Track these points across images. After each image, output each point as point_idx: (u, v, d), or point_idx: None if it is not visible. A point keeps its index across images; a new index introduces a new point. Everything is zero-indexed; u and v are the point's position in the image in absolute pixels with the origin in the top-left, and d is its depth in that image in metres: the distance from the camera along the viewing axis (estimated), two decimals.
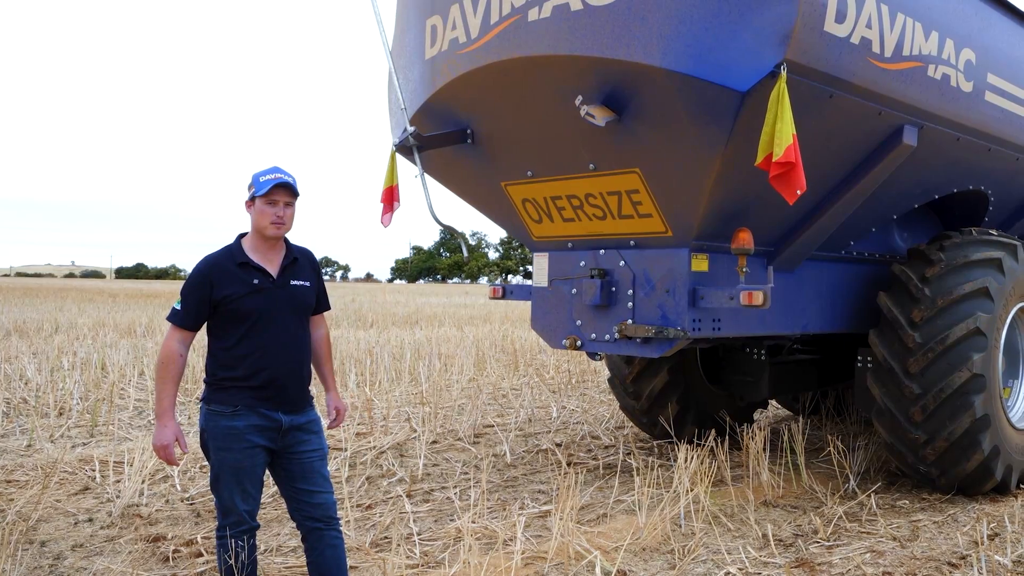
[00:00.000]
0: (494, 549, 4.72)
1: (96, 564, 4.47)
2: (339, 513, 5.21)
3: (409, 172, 6.17)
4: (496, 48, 5.22)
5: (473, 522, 5.11)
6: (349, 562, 4.34)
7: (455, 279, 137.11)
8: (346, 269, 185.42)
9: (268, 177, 3.44)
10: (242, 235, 3.60)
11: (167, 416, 3.35)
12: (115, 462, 6.52)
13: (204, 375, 3.49)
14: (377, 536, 4.81)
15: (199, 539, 4.84)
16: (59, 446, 7.20)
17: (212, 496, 3.59)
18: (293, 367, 3.52)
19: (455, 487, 6.14)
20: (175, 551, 4.65)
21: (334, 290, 67.55)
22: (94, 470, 6.34)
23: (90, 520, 5.22)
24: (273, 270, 3.51)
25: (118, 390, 10.05)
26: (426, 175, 6.12)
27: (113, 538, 4.89)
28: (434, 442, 7.70)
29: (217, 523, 3.51)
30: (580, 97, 4.90)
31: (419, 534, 5.04)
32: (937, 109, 5.54)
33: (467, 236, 6.04)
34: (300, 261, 3.63)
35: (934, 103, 5.50)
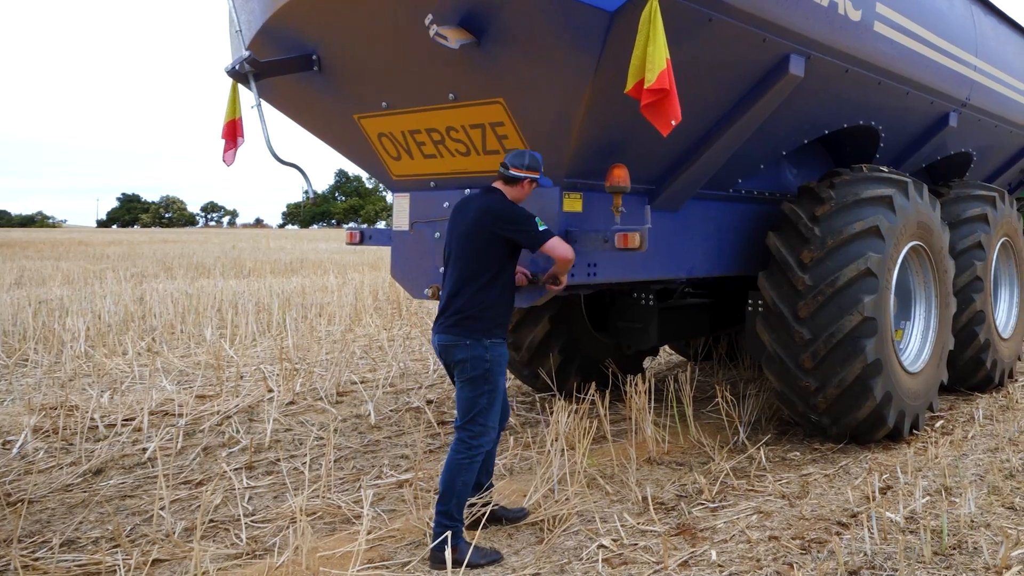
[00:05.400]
0: (337, 529, 4.16)
1: None
2: (161, 492, 4.56)
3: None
4: None
5: (317, 497, 4.53)
6: (154, 554, 3.84)
7: (351, 224, 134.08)
8: (233, 215, 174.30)
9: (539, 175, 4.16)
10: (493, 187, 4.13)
11: None
12: None
13: (474, 309, 3.86)
14: (200, 519, 4.13)
15: None
16: None
17: None
18: None
19: (306, 456, 5.47)
20: None
21: (217, 236, 64.51)
22: None
23: None
24: None
25: None
26: (268, 106, 5.42)
27: None
28: (290, 403, 7.02)
29: (467, 446, 3.86)
30: (430, 16, 4.28)
31: (251, 515, 4.43)
32: (824, 38, 5.25)
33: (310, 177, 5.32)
34: None
35: (821, 32, 5.19)
